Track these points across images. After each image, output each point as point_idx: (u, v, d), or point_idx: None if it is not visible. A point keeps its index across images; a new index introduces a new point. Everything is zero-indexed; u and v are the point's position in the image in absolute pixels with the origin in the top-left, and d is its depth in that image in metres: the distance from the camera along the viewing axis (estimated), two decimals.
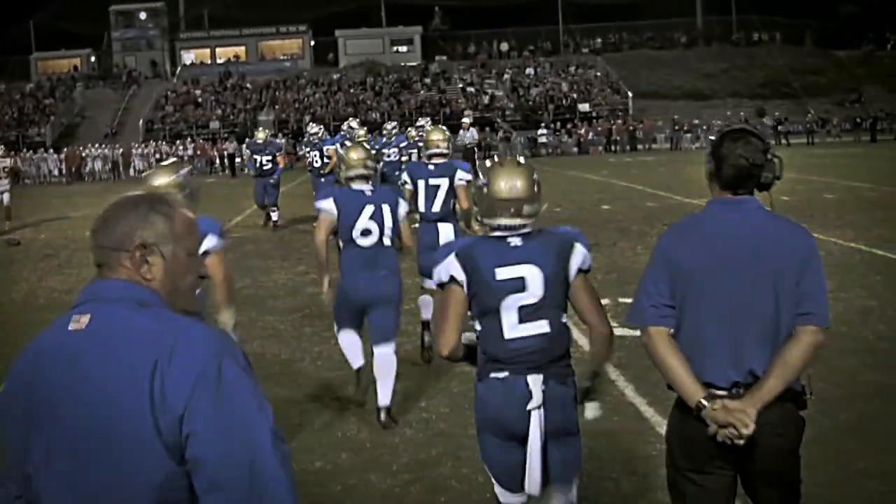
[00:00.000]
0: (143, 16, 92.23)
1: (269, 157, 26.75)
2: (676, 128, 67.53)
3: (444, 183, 11.80)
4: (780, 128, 66.76)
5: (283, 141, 54.50)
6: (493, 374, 5.39)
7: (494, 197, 5.50)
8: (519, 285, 5.39)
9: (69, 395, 2.69)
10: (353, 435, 8.77)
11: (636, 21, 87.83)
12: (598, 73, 79.67)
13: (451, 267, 5.48)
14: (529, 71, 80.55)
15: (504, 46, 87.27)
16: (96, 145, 66.50)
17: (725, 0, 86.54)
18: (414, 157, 21.12)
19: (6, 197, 30.12)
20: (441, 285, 5.62)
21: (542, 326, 5.38)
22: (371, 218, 9.24)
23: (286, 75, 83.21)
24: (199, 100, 78.68)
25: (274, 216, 26.81)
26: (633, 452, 7.97)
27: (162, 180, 7.12)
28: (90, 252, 2.94)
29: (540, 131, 67.80)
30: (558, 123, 69.78)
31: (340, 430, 8.91)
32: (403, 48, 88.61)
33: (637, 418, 8.85)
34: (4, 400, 2.82)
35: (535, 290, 5.38)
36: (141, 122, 74.31)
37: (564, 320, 5.49)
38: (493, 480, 5.64)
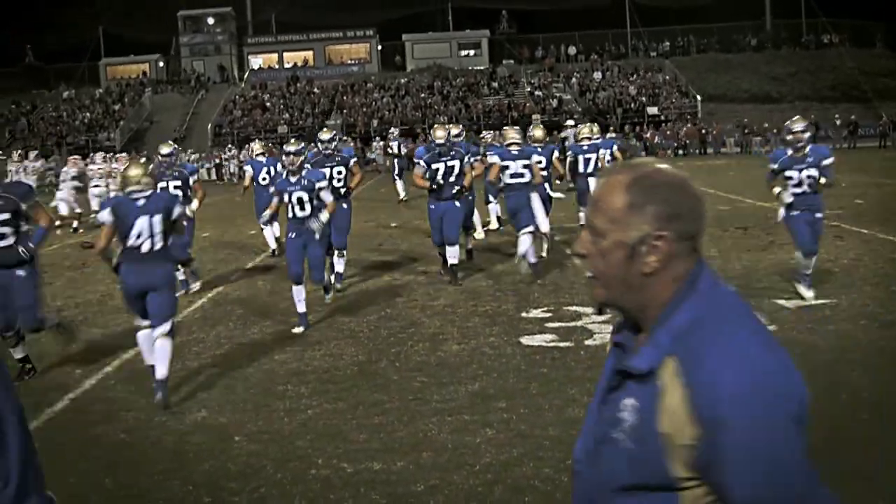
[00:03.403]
0: (211, 21, 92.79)
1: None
2: (746, 131, 67.05)
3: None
4: (859, 131, 66.18)
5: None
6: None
7: (506, 137, 18.52)
8: (517, 167, 17.55)
9: None
10: (433, 435, 8.77)
11: (704, 24, 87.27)
12: (667, 77, 79.24)
13: (493, 158, 17.94)
14: (597, 74, 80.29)
15: (572, 50, 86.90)
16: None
17: (794, 2, 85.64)
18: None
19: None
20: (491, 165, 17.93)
21: (525, 179, 17.48)
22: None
23: (354, 79, 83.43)
24: (267, 104, 79.09)
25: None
26: None
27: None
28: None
29: (608, 135, 67.54)
30: (626, 127, 69.39)
31: (421, 431, 8.91)
32: (471, 52, 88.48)
33: None
34: None
35: (519, 168, 17.47)
36: (209, 126, 74.84)
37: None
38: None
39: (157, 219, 10.64)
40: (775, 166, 14.40)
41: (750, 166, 48.47)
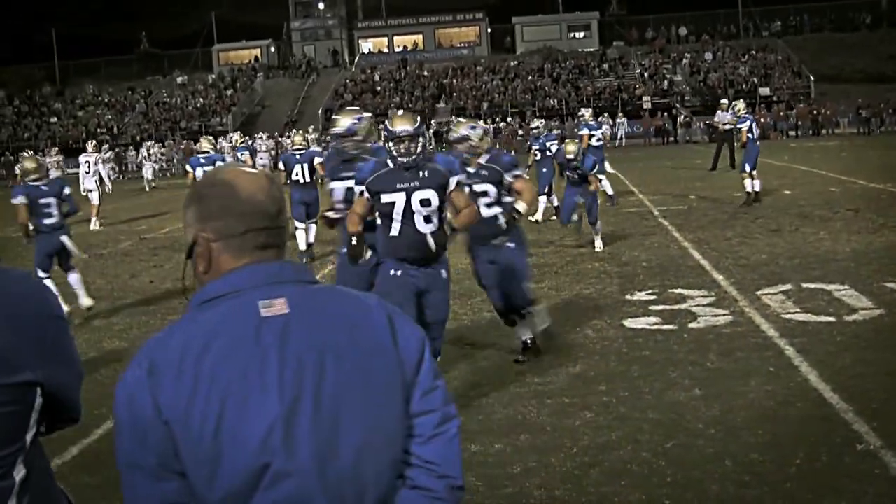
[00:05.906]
0: (321, 6, 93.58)
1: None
2: (860, 112, 65.77)
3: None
4: None
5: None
6: None
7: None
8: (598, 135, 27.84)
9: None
10: (532, 417, 8.74)
11: (818, 3, 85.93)
12: (779, 57, 78.10)
13: (583, 131, 27.32)
14: (708, 55, 79.45)
15: (682, 31, 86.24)
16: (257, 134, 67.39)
17: None
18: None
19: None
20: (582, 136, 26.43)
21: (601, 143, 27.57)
22: None
23: (463, 62, 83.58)
24: (378, 88, 79.51)
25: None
26: (817, 438, 7.78)
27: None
28: (266, 235, 2.79)
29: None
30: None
31: (520, 413, 8.88)
32: (580, 34, 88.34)
33: (821, 405, 8.63)
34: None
35: (599, 135, 28.00)
36: (320, 110, 75.35)
37: None
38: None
39: (306, 165, 19.32)
40: None
41: (864, 147, 47.74)
